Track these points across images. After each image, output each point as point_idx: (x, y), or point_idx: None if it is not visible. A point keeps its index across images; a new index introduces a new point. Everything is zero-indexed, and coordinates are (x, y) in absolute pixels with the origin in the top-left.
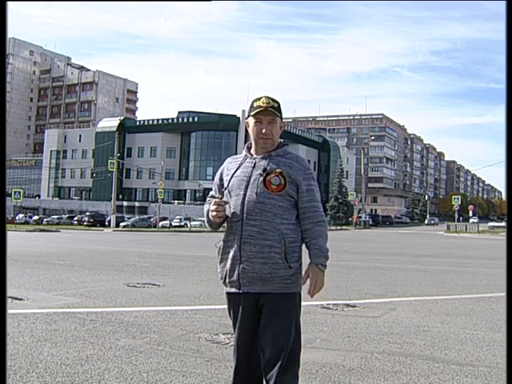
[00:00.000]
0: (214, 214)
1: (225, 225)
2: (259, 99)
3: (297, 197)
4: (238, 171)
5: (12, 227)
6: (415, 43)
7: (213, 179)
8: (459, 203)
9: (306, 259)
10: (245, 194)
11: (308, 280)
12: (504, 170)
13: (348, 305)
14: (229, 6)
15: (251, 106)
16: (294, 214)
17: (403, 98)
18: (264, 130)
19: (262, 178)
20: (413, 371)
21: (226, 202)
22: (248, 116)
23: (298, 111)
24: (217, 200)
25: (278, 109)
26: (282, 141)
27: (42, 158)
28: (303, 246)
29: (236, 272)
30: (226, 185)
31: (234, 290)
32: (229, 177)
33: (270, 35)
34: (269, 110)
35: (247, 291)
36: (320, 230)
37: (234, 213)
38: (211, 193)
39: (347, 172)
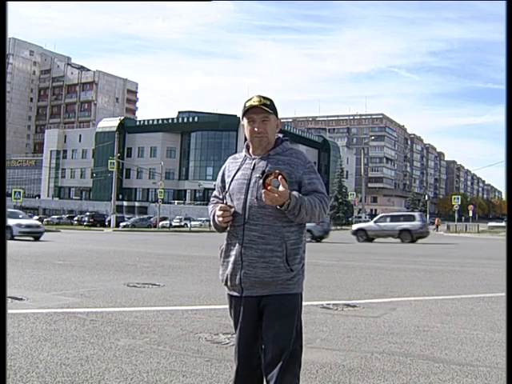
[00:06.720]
0: (221, 219)
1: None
2: (250, 99)
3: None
4: (238, 173)
5: None
6: (412, 44)
7: (213, 179)
8: (459, 203)
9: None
10: (245, 199)
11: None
12: (504, 170)
13: (348, 305)
14: (226, 7)
15: (244, 107)
16: None
17: (402, 99)
18: (257, 129)
19: (261, 181)
20: (413, 371)
21: (232, 207)
22: (242, 117)
23: (297, 111)
24: (223, 206)
25: (271, 106)
26: (280, 136)
27: (42, 158)
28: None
29: (238, 276)
30: (227, 187)
31: (235, 293)
32: (229, 179)
33: (267, 36)
34: (260, 108)
35: (249, 295)
36: (314, 198)
37: (236, 217)
38: (214, 193)
39: (347, 172)
